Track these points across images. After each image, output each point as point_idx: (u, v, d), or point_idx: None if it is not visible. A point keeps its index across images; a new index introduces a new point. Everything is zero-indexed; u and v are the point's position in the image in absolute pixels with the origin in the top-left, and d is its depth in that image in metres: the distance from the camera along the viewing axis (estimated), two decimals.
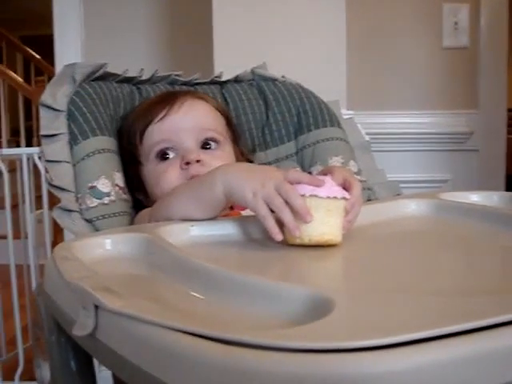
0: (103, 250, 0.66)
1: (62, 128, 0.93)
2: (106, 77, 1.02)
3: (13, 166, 2.15)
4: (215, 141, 0.96)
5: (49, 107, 0.94)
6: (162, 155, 0.94)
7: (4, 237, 1.95)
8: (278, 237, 0.67)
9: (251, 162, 1.05)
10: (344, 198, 0.70)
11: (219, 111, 1.02)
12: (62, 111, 0.94)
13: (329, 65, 1.58)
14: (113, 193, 0.91)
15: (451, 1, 1.87)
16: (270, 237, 0.68)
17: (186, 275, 0.57)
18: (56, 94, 0.95)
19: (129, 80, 1.07)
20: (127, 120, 1.00)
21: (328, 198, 0.68)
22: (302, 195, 0.68)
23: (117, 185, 0.92)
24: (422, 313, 0.44)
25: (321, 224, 0.67)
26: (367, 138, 1.42)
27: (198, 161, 0.91)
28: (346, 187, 0.73)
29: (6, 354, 2.04)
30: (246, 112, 1.13)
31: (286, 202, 0.67)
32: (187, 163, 0.91)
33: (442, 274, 0.61)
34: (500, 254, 0.70)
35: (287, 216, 0.67)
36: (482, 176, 1.88)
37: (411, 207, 0.88)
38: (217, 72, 1.20)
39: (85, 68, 0.98)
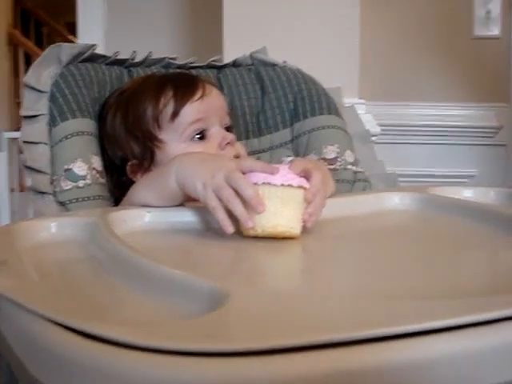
0: (48, 234, 0.64)
1: (43, 109, 0.92)
2: (95, 59, 1.00)
3: None
4: (230, 127, 0.95)
5: (32, 88, 0.93)
6: (199, 134, 0.89)
7: None
8: (229, 229, 0.64)
9: None
10: (301, 187, 0.65)
11: None
12: (45, 92, 0.93)
13: (341, 48, 1.51)
14: (89, 176, 0.88)
15: None
16: None
17: (116, 264, 0.54)
18: (40, 75, 0.93)
19: (120, 62, 1.05)
20: (136, 101, 0.93)
21: (282, 185, 0.64)
22: (255, 183, 0.64)
23: (94, 168, 0.90)
24: (330, 318, 0.40)
25: (275, 214, 0.63)
26: (378, 128, 1.36)
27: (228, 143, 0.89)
28: (306, 177, 0.68)
29: None
30: (240, 97, 1.09)
31: (238, 193, 0.64)
32: (228, 143, 0.88)
33: (398, 274, 0.56)
34: (475, 252, 0.65)
35: (237, 208, 0.63)
36: (510, 172, 1.79)
37: (394, 201, 0.82)
38: (227, 57, 1.16)
39: (72, 49, 0.96)
